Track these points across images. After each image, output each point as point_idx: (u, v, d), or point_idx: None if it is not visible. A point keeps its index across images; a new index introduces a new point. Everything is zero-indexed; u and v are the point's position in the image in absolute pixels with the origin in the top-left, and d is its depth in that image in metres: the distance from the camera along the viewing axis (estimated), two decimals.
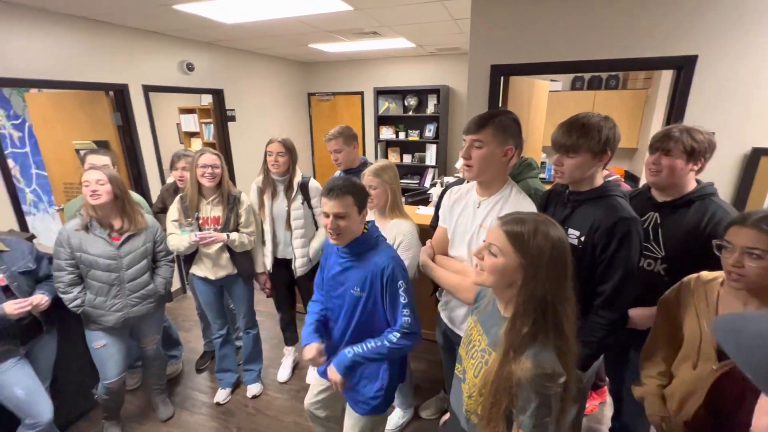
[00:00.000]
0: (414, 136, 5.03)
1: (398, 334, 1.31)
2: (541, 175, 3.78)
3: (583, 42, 2.13)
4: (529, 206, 1.32)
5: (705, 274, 1.17)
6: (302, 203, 2.18)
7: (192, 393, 2.47)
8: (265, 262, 2.26)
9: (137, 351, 2.15)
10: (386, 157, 5.30)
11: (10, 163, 3.51)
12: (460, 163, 1.39)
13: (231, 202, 2.05)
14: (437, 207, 1.81)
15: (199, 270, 2.13)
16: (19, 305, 1.56)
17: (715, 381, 1.05)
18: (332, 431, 1.70)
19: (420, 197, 3.59)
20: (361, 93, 5.27)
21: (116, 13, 2.66)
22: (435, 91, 4.75)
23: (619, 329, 1.29)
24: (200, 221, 2.03)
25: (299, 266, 2.23)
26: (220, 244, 2.02)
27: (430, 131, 4.94)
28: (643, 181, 3.47)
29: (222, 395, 2.36)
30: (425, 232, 1.78)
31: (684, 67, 2.01)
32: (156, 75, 3.31)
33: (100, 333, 1.86)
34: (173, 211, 2.04)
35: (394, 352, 1.32)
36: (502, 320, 0.93)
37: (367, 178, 1.74)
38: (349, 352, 1.35)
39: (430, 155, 5.00)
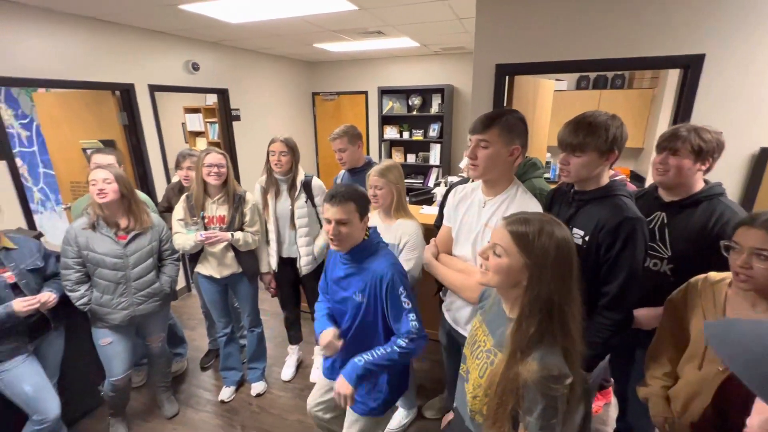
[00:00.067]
0: (418, 135, 5.02)
1: (406, 339, 1.31)
2: (546, 175, 3.77)
3: (589, 41, 2.12)
4: (535, 206, 1.31)
5: (713, 275, 1.16)
6: (306, 202, 2.18)
7: (197, 391, 2.49)
8: (270, 261, 2.27)
9: (143, 349, 2.17)
10: (390, 156, 5.30)
11: (18, 162, 3.54)
12: (464, 163, 1.39)
13: (236, 202, 2.06)
14: (441, 207, 1.81)
15: (204, 269, 2.14)
16: (27, 302, 1.58)
17: (721, 383, 1.04)
18: None
19: (424, 197, 3.59)
20: (366, 92, 5.27)
21: (123, 13, 2.68)
22: (439, 90, 4.75)
23: (624, 330, 1.28)
24: (206, 220, 2.04)
25: (304, 265, 2.23)
26: (225, 243, 2.03)
27: (434, 131, 4.94)
28: (648, 181, 3.44)
29: (226, 393, 2.38)
30: (429, 232, 1.78)
31: (691, 67, 1.99)
32: (162, 75, 3.33)
33: (106, 331, 1.87)
34: (179, 209, 2.05)
35: (404, 356, 1.31)
36: (508, 321, 0.93)
37: (372, 179, 1.74)
38: (359, 360, 1.32)
39: (434, 155, 5.00)
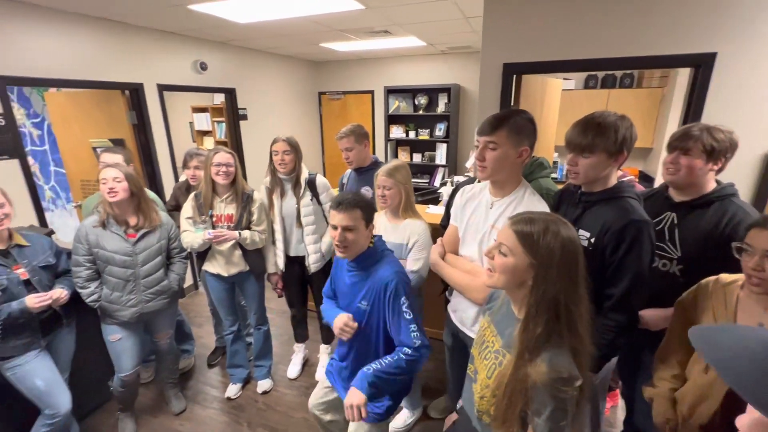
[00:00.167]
0: (424, 135, 5.01)
1: (410, 349, 1.31)
2: (553, 175, 3.74)
3: (598, 40, 2.10)
4: (542, 208, 1.30)
5: (724, 277, 1.14)
6: (311, 200, 2.19)
7: (204, 387, 2.51)
8: (277, 262, 2.28)
9: (151, 345, 2.20)
10: (396, 156, 5.30)
11: (30, 160, 3.59)
12: (470, 162, 1.39)
13: (244, 200, 2.08)
14: (448, 206, 1.81)
15: (211, 267, 2.16)
16: (39, 299, 1.61)
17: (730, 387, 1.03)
18: None
19: (430, 196, 3.58)
20: (372, 92, 5.27)
21: (132, 13, 2.71)
22: (446, 89, 4.73)
23: (629, 332, 1.27)
24: (214, 219, 2.06)
25: (313, 262, 2.24)
26: (233, 241, 2.05)
27: (440, 130, 4.92)
28: (658, 182, 3.40)
29: (233, 390, 2.40)
30: (435, 232, 1.78)
31: (702, 65, 1.97)
32: (170, 74, 3.36)
33: (115, 327, 1.90)
34: (187, 208, 2.07)
35: (411, 364, 1.31)
36: (517, 322, 0.93)
37: (380, 179, 1.74)
38: (368, 369, 1.31)
39: (440, 154, 4.98)
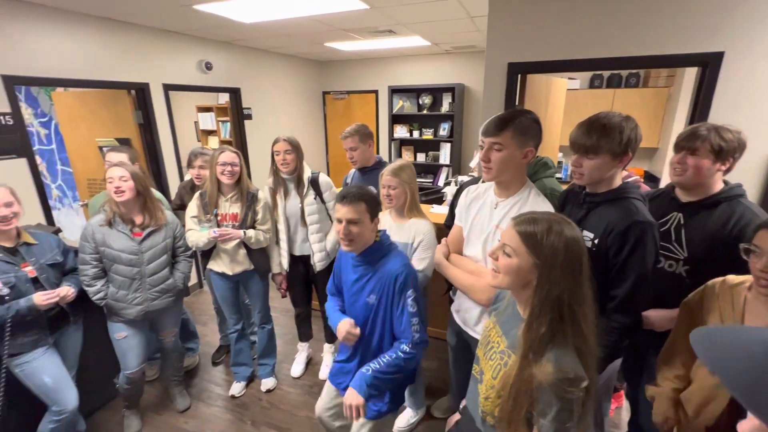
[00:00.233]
0: (428, 134, 5.01)
1: (409, 344, 1.31)
2: (558, 175, 3.72)
3: (603, 39, 2.08)
4: (547, 208, 1.30)
5: (731, 278, 1.13)
6: (315, 198, 2.20)
7: (208, 385, 2.53)
8: (281, 262, 2.29)
9: (156, 343, 2.21)
10: (400, 155, 5.30)
11: (38, 159, 3.63)
12: (474, 162, 1.38)
13: (249, 200, 2.09)
14: (452, 206, 1.80)
15: (216, 265, 2.17)
16: (47, 296, 1.62)
17: None
18: None
19: (434, 196, 3.58)
20: (376, 91, 5.28)
21: (139, 13, 2.73)
22: (450, 89, 4.72)
23: (632, 334, 1.26)
24: (219, 217, 2.07)
25: (318, 261, 2.25)
26: (237, 240, 2.06)
27: (444, 130, 4.92)
28: (664, 182, 3.37)
29: (237, 388, 2.41)
30: (439, 231, 1.78)
31: (709, 65, 1.95)
32: (176, 74, 3.38)
33: (121, 325, 1.92)
34: (192, 207, 2.09)
35: (409, 362, 1.31)
36: (522, 322, 0.92)
37: (385, 178, 1.74)
38: (366, 369, 1.31)
39: (444, 154, 4.98)
